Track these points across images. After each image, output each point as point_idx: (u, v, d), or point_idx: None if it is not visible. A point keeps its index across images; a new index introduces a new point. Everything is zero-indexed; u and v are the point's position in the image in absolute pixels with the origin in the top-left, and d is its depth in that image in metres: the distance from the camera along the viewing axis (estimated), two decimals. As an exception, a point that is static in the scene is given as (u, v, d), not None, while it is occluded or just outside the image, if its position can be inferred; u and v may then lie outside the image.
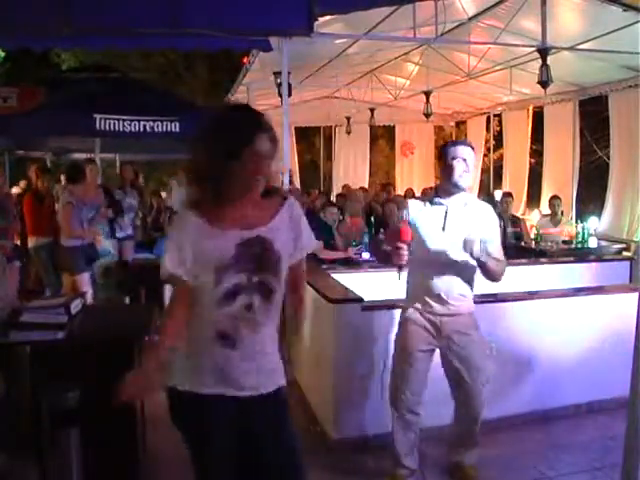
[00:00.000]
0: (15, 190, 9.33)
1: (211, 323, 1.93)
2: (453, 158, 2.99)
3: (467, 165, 2.98)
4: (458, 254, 2.94)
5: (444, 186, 3.07)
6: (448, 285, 3.01)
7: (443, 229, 2.99)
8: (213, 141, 1.86)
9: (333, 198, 10.11)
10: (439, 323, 3.03)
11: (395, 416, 3.13)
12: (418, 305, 3.07)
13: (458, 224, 2.98)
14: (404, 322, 3.13)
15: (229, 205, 1.90)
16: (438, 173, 3.31)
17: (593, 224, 7.95)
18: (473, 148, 3.07)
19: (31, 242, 6.34)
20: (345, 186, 11.93)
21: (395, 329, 3.60)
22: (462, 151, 3.01)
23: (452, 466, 3.26)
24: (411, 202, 3.15)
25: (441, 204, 3.03)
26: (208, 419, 1.97)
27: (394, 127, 13.56)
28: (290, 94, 5.39)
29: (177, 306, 1.98)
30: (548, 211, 7.95)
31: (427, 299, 3.04)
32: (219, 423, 1.97)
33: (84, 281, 5.54)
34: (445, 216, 3.00)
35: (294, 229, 2.02)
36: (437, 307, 3.03)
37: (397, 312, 3.60)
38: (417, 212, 3.05)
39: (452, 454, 3.28)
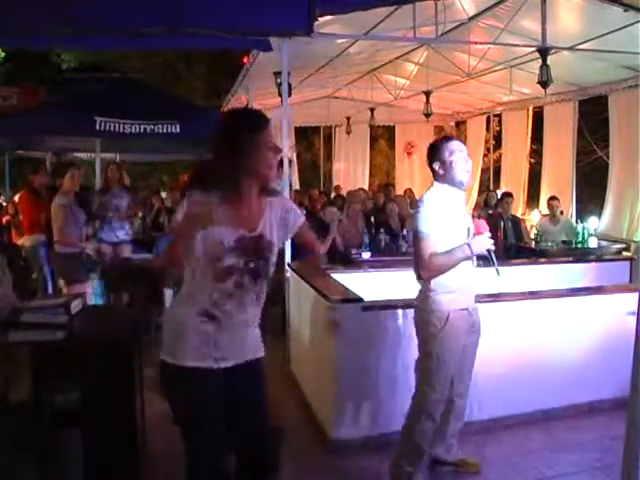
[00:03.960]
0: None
1: (200, 301, 2.14)
2: (451, 153, 2.96)
3: (466, 160, 2.97)
4: None
5: (451, 184, 2.98)
6: (475, 278, 3.04)
7: (464, 222, 3.00)
8: (227, 135, 2.12)
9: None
10: (470, 316, 3.04)
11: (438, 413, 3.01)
12: (460, 300, 2.98)
13: (465, 218, 3.04)
14: (451, 318, 2.93)
15: (237, 200, 2.14)
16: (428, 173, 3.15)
17: (593, 224, 7.95)
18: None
19: (28, 241, 6.29)
20: (336, 187, 12.02)
21: (395, 329, 3.62)
22: (460, 146, 3.00)
23: (457, 461, 3.29)
24: (432, 197, 3.00)
25: (455, 204, 3.02)
26: (194, 392, 2.16)
27: (394, 127, 13.56)
28: (290, 94, 5.39)
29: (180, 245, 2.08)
30: (548, 211, 7.95)
31: (466, 296, 3.01)
32: (203, 394, 2.16)
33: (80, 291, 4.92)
34: (461, 209, 3.04)
35: (284, 218, 2.29)
36: (471, 300, 3.04)
37: (397, 312, 3.62)
38: (444, 207, 2.95)
39: (453, 452, 3.30)
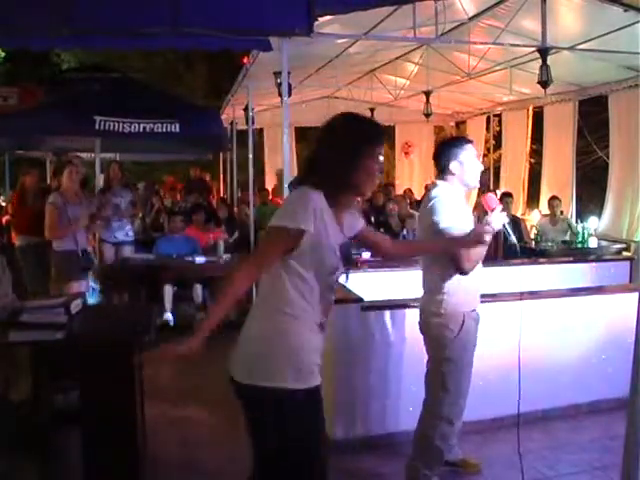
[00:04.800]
0: None
1: (316, 312, 2.02)
2: (469, 156, 2.99)
3: (478, 164, 3.04)
4: None
5: (463, 184, 3.02)
6: (482, 278, 3.03)
7: (470, 218, 3.03)
8: (349, 138, 2.05)
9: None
10: (477, 317, 3.05)
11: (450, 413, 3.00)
12: (472, 301, 3.00)
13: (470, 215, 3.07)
14: (465, 320, 2.94)
15: (340, 204, 2.06)
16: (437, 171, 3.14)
17: (593, 224, 7.95)
18: None
19: (19, 241, 6.28)
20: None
21: (395, 329, 3.62)
22: (474, 149, 3.05)
23: (458, 461, 3.32)
24: (444, 194, 2.98)
25: (463, 202, 3.05)
26: (315, 412, 2.03)
27: (394, 127, 13.55)
28: (290, 94, 5.38)
29: (251, 273, 1.97)
30: (548, 211, 7.95)
31: (476, 297, 3.02)
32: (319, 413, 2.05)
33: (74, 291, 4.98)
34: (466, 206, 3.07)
35: None
36: (478, 300, 3.05)
37: (397, 312, 3.63)
38: (459, 210, 2.97)
39: (454, 452, 3.30)
